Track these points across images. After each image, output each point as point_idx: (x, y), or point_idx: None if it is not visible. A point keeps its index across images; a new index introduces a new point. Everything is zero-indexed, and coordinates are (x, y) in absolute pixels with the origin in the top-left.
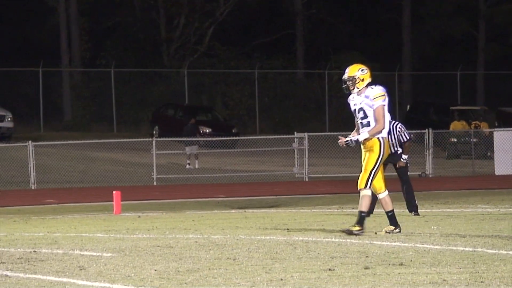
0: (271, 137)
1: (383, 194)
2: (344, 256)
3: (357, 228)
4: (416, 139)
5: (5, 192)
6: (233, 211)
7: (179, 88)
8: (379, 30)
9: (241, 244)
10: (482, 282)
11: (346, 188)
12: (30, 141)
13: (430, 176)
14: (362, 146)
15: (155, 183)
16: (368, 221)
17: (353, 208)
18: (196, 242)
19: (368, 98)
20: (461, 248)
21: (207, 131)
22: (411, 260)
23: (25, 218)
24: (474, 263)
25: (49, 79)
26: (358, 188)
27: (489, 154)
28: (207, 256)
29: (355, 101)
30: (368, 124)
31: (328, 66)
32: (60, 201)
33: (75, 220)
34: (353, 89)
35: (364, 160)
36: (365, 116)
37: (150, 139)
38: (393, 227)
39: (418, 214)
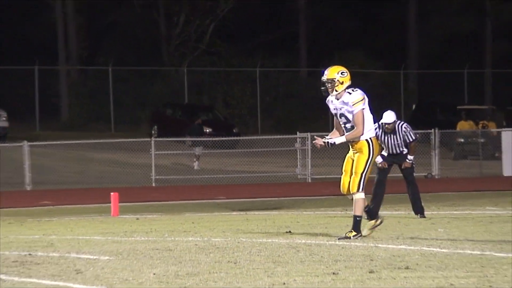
0: (273, 137)
1: (362, 195)
2: (348, 259)
3: (353, 233)
4: (422, 139)
5: (0, 193)
6: (234, 213)
7: (178, 87)
8: (383, 28)
9: (242, 247)
10: (490, 286)
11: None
12: (25, 141)
13: (437, 177)
14: (350, 148)
15: (153, 184)
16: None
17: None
18: (196, 245)
19: (347, 105)
20: (469, 252)
21: (207, 131)
22: (417, 264)
23: (20, 220)
24: (482, 266)
25: (46, 78)
26: (348, 192)
27: (497, 154)
28: (207, 259)
29: (334, 104)
30: (353, 128)
31: (331, 64)
32: (56, 202)
33: (72, 222)
34: (332, 92)
35: (353, 161)
36: (348, 121)
37: (149, 139)
38: (354, 233)
39: (424, 217)
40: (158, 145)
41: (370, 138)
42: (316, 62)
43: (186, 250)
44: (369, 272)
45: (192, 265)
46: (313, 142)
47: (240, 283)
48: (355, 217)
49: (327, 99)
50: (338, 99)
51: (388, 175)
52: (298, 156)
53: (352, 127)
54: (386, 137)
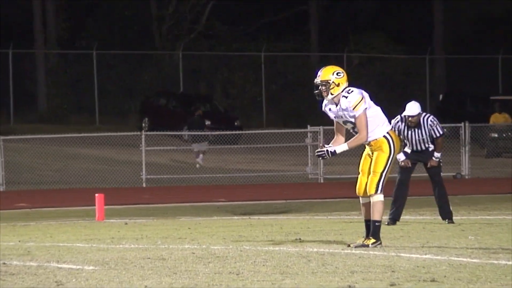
0: (280, 131)
1: (380, 197)
2: (367, 270)
3: (372, 241)
4: (450, 134)
5: None
6: (235, 217)
7: (172, 74)
8: (406, 7)
9: (246, 256)
10: None
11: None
12: None
13: (467, 177)
14: (367, 147)
15: (144, 185)
16: (394, 230)
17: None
18: (193, 253)
19: (347, 110)
20: (504, 262)
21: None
22: (445, 276)
23: None
24: None
25: (21, 63)
26: (365, 194)
27: None
28: (206, 270)
29: (333, 112)
30: None
31: (346, 48)
32: (34, 205)
33: (51, 227)
34: (327, 95)
35: (371, 160)
36: (355, 125)
37: (139, 133)
38: (373, 240)
39: (453, 222)
40: (149, 139)
41: (387, 133)
42: (330, 46)
43: (181, 259)
44: (390, 285)
45: (188, 276)
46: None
47: None
48: (373, 222)
49: (324, 106)
50: (336, 105)
51: (412, 174)
52: (309, 153)
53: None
54: (409, 132)
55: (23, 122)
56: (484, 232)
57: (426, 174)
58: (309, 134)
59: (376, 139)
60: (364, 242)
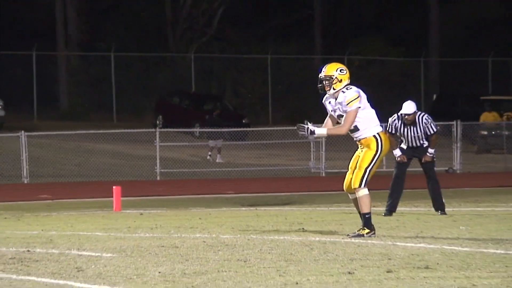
0: (285, 128)
1: (365, 192)
2: (365, 258)
3: (367, 231)
4: (443, 132)
5: None
6: (243, 208)
7: (185, 74)
8: (404, 12)
9: (253, 245)
10: None
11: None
12: (22, 131)
13: (458, 172)
14: (359, 145)
15: (158, 178)
16: (390, 221)
17: (373, 206)
18: (203, 242)
19: (341, 104)
20: (492, 251)
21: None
22: (438, 263)
23: (17, 215)
24: (506, 266)
25: (44, 64)
26: (350, 189)
27: None
28: (216, 257)
29: (332, 105)
30: (356, 129)
31: (348, 51)
32: (55, 196)
33: (72, 217)
34: (329, 90)
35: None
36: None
37: (153, 129)
38: (367, 230)
39: (445, 214)
40: (163, 136)
41: (378, 134)
42: (332, 49)
43: (193, 247)
44: (387, 272)
45: (199, 263)
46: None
47: (251, 283)
48: (363, 215)
49: (324, 99)
50: (336, 99)
51: (408, 169)
52: (312, 148)
53: (356, 128)
54: (405, 129)
55: (45, 119)
56: (474, 223)
57: (421, 169)
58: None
59: (366, 138)
60: (359, 232)
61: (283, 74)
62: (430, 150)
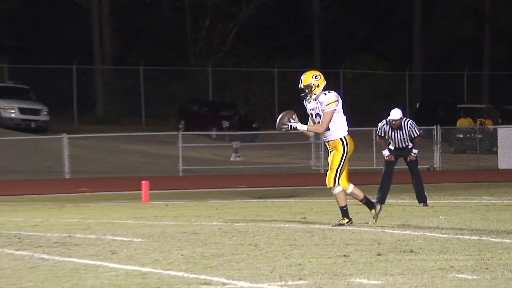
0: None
1: (339, 189)
2: (358, 243)
3: (346, 220)
4: (425, 135)
5: (41, 181)
6: (254, 200)
7: (203, 85)
8: (391, 32)
9: (262, 231)
10: (487, 268)
11: (360, 180)
12: (64, 134)
13: (438, 169)
14: (327, 146)
15: (181, 174)
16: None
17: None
18: (220, 229)
19: (322, 105)
20: (467, 237)
21: (225, 125)
22: (421, 248)
23: (60, 206)
24: (479, 250)
25: (82, 76)
26: (328, 187)
27: (494, 149)
28: (230, 242)
29: (311, 105)
30: (328, 129)
31: (343, 65)
32: (93, 189)
33: (107, 207)
34: (311, 96)
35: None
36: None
37: (177, 132)
38: (347, 220)
39: (427, 205)
40: (185, 138)
41: (344, 137)
42: (329, 63)
43: (211, 233)
44: (377, 255)
45: (216, 247)
46: (279, 124)
47: (260, 264)
48: (341, 208)
49: (305, 100)
50: (315, 100)
51: (395, 167)
52: (312, 149)
53: (328, 128)
54: (393, 133)
55: (84, 123)
56: (452, 213)
57: (406, 167)
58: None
59: (334, 140)
60: (340, 222)
61: (288, 85)
62: (414, 151)
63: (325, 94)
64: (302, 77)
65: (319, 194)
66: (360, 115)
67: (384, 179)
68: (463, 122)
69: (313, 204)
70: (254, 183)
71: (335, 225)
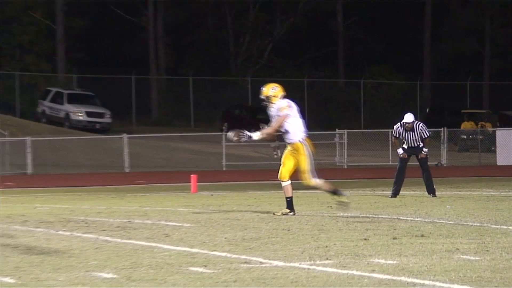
0: (317, 132)
1: (286, 183)
2: (377, 228)
3: (288, 210)
4: (434, 136)
5: (105, 174)
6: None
7: (244, 93)
8: (404, 47)
9: (294, 218)
10: (487, 250)
11: (377, 174)
12: (125, 134)
13: (445, 165)
14: (289, 147)
15: (224, 169)
16: (395, 202)
17: (382, 191)
18: (258, 215)
19: (277, 110)
20: (471, 224)
21: (265, 127)
22: (430, 233)
23: (121, 195)
24: (481, 235)
25: (140, 85)
26: (285, 179)
27: (493, 148)
28: (267, 227)
29: (272, 112)
30: (287, 132)
31: (363, 76)
32: (149, 181)
33: (161, 197)
34: (271, 104)
35: (293, 160)
36: (280, 127)
37: (221, 133)
38: (288, 210)
39: (435, 196)
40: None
41: (302, 139)
42: (352, 74)
43: (250, 219)
44: (393, 239)
45: (255, 231)
46: (230, 135)
47: (292, 246)
48: (286, 198)
49: (268, 108)
50: (274, 108)
51: (408, 163)
52: (337, 148)
53: (286, 131)
54: (406, 134)
55: (141, 125)
56: (457, 203)
57: (417, 163)
58: (337, 135)
59: (295, 142)
60: (282, 212)
61: (316, 93)
62: (425, 149)
63: (280, 101)
64: (263, 88)
65: (342, 186)
66: (378, 118)
67: (399, 173)
68: (466, 125)
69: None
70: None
71: (276, 214)
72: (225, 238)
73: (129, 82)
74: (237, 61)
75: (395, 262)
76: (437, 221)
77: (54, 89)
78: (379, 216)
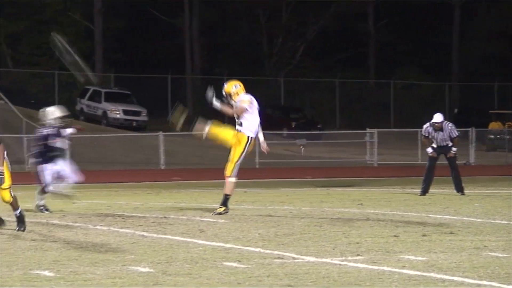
0: (348, 131)
1: (232, 180)
2: (407, 225)
3: (223, 208)
4: (462, 136)
5: (141, 171)
6: (318, 189)
7: (277, 92)
8: (433, 50)
9: (325, 215)
10: None
11: (407, 172)
12: (160, 132)
13: (473, 164)
14: (236, 131)
15: (257, 166)
16: (424, 199)
17: (412, 189)
18: (290, 212)
19: (239, 102)
20: (499, 221)
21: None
22: (459, 230)
23: (157, 191)
24: (508, 233)
25: (176, 84)
26: (226, 175)
27: None
28: (299, 223)
29: (233, 104)
30: (241, 125)
31: (393, 77)
32: (184, 178)
33: (196, 193)
34: (232, 101)
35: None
36: (238, 117)
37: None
38: (223, 208)
39: (464, 194)
40: None
41: (250, 137)
42: (382, 75)
43: (283, 216)
44: (422, 236)
45: (287, 227)
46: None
47: (324, 242)
48: (224, 195)
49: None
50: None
51: (436, 162)
52: (367, 146)
53: (240, 124)
54: (436, 133)
55: None
56: (485, 201)
57: (446, 162)
58: (367, 134)
59: (243, 133)
60: (217, 210)
61: (346, 93)
62: (453, 149)
63: (243, 95)
64: (224, 85)
65: (373, 184)
66: (407, 118)
67: (428, 172)
68: (494, 125)
69: (368, 193)
70: (319, 174)
71: (215, 214)
72: (259, 234)
73: (165, 81)
74: (271, 61)
75: (424, 258)
76: (466, 218)
77: (92, 88)
78: (409, 213)
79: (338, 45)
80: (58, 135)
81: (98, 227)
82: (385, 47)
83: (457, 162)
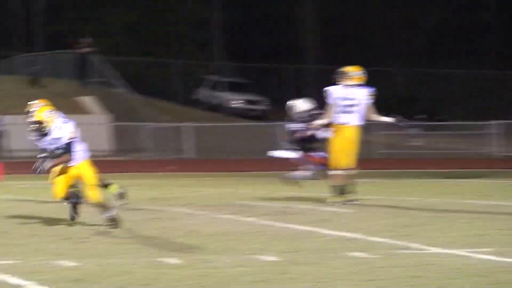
0: (471, 123)
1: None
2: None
3: (336, 198)
4: None
5: (263, 160)
6: (442, 180)
7: (394, 84)
8: None
9: (451, 206)
10: None
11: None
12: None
13: None
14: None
15: (376, 157)
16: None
17: None
18: (415, 203)
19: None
20: None
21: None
22: None
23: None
24: None
25: (292, 73)
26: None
27: None
28: (421, 214)
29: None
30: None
31: None
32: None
33: (318, 183)
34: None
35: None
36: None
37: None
38: (337, 197)
39: None
40: (380, 127)
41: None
42: (505, 66)
43: (409, 207)
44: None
45: (410, 218)
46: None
47: (451, 233)
48: (336, 186)
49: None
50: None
51: None
52: (493, 138)
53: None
54: None
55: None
56: None
57: None
58: (493, 125)
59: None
60: (331, 200)
61: (468, 84)
62: None
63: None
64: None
65: (498, 176)
66: None
67: None
68: None
69: (495, 184)
70: (442, 165)
71: (333, 203)
72: (385, 224)
73: (283, 71)
74: (387, 53)
75: None
76: None
77: (210, 77)
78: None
79: (459, 36)
80: (309, 129)
81: (222, 215)
82: (508, 38)
83: None
